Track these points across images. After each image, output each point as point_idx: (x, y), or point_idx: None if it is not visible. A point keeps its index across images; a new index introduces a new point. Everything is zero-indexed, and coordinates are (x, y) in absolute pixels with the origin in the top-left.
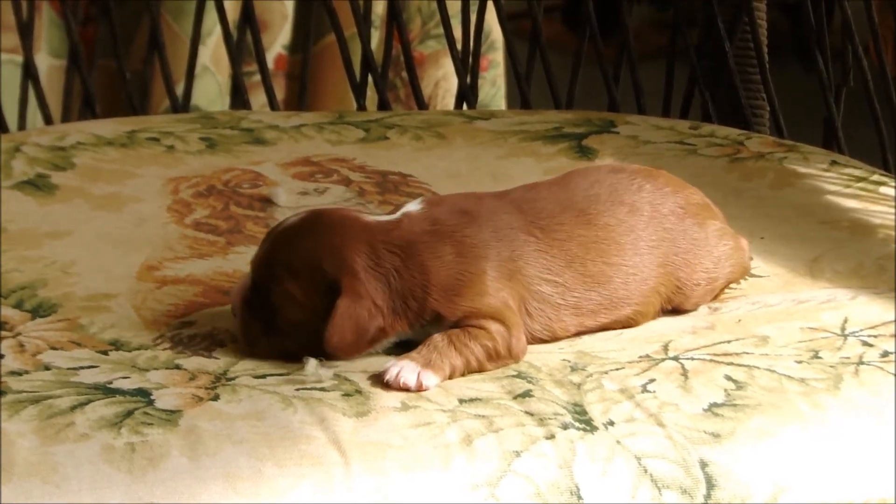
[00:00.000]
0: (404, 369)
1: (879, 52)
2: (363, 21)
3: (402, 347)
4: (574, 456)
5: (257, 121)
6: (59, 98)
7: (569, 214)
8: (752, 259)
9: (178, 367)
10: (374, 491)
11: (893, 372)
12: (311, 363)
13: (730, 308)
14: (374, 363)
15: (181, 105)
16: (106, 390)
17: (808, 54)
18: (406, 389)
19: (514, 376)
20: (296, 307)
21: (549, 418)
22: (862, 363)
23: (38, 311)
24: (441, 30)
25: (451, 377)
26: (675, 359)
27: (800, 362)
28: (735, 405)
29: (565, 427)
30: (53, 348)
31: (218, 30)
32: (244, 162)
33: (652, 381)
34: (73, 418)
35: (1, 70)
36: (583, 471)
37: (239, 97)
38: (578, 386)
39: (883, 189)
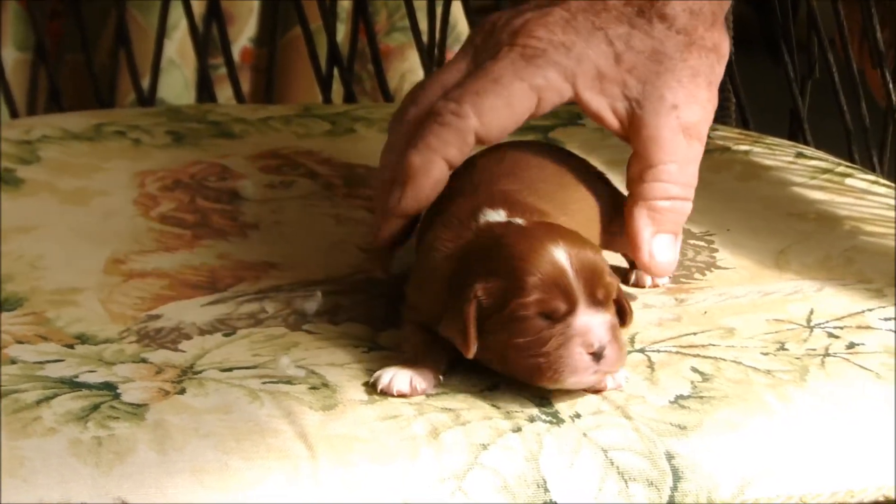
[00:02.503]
0: (396, 377)
1: (845, 44)
2: (329, 14)
3: None
4: (541, 448)
5: (224, 114)
6: (24, 92)
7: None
8: None
9: (144, 360)
10: (341, 484)
11: (860, 363)
12: (284, 360)
13: (696, 300)
14: (342, 356)
15: (147, 99)
16: (72, 384)
17: (774, 46)
18: (402, 396)
19: (481, 369)
20: None
21: (516, 411)
22: (828, 355)
23: (5, 306)
24: (407, 22)
25: (444, 374)
26: (642, 351)
27: (766, 354)
28: (701, 397)
29: (532, 420)
30: (20, 342)
31: (184, 23)
32: (211, 155)
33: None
34: (40, 412)
35: None
36: (549, 463)
37: (205, 90)
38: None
39: (849, 181)
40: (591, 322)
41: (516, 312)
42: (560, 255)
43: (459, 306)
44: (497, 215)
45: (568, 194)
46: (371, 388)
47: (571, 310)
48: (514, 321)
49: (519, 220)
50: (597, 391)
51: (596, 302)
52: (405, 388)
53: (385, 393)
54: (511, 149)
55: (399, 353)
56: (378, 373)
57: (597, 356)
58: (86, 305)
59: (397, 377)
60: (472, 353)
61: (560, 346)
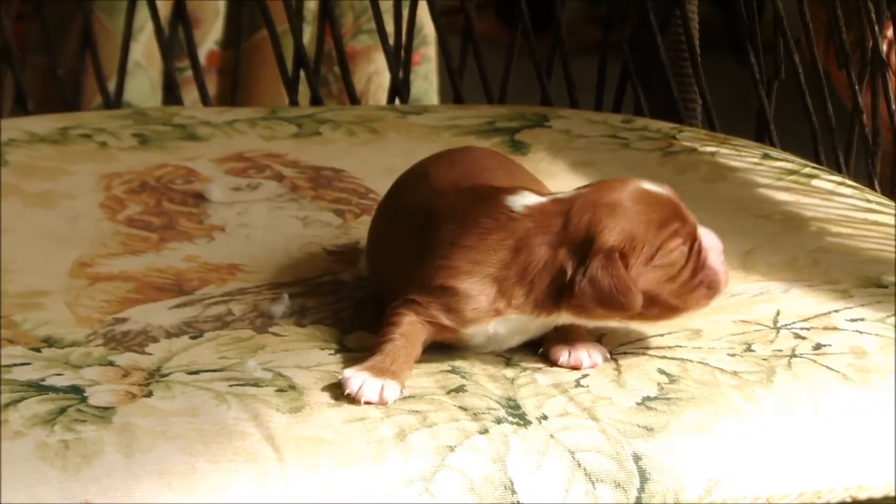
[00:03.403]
0: (367, 384)
1: (811, 45)
2: (295, 16)
3: None
4: (508, 450)
5: (190, 116)
6: None
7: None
8: None
9: (111, 363)
10: (308, 486)
11: (827, 364)
12: (251, 363)
13: None
14: (309, 359)
15: (113, 101)
16: (39, 387)
17: (740, 48)
18: (368, 404)
19: (447, 371)
20: None
21: (483, 413)
22: (794, 356)
23: None
24: (373, 24)
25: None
26: (609, 353)
27: (732, 355)
28: (668, 399)
29: (499, 422)
30: None
31: (150, 26)
32: (177, 158)
33: (585, 375)
34: (7, 416)
35: None
36: (517, 465)
37: (171, 93)
38: (512, 381)
39: (815, 182)
40: (706, 233)
41: (666, 249)
42: (657, 190)
43: (604, 271)
44: (525, 198)
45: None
46: (336, 387)
47: (695, 229)
48: (664, 259)
49: (565, 195)
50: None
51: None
52: (374, 398)
53: (351, 399)
54: (454, 154)
55: (370, 354)
56: (346, 375)
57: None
58: (52, 308)
59: (367, 385)
60: (638, 305)
61: (704, 263)
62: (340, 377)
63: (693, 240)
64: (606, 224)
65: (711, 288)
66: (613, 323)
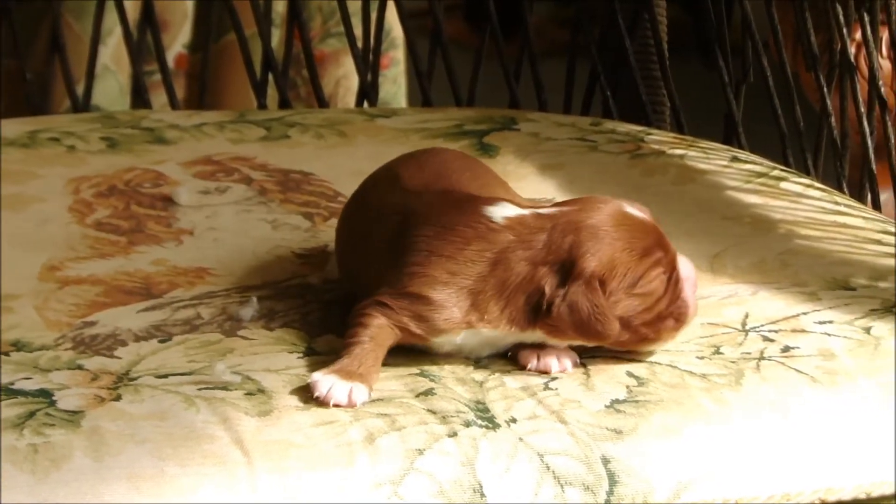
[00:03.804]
0: (335, 387)
1: (779, 48)
2: (263, 19)
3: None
4: (477, 453)
5: (158, 120)
6: None
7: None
8: None
9: (80, 367)
10: (277, 490)
11: (796, 367)
12: (220, 366)
13: None
14: (278, 362)
15: (82, 105)
16: (8, 391)
17: (708, 50)
18: (337, 407)
19: (416, 374)
20: None
21: (452, 416)
22: (763, 358)
23: None
24: (342, 28)
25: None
26: (579, 357)
27: (701, 358)
28: (637, 402)
29: (468, 425)
30: None
31: (118, 29)
32: (145, 161)
33: (554, 378)
34: None
35: None
36: (486, 468)
37: (139, 97)
38: (481, 384)
39: (784, 184)
40: (682, 261)
41: (645, 278)
42: (640, 215)
43: (582, 297)
44: (504, 209)
45: (494, 194)
46: (305, 391)
47: (674, 258)
48: (642, 288)
49: (547, 210)
50: (543, 372)
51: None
52: (343, 401)
53: (320, 402)
54: (423, 155)
55: (338, 356)
56: (315, 378)
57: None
58: (21, 312)
59: (336, 388)
60: (616, 331)
61: (680, 293)
62: (309, 380)
63: (672, 269)
64: (589, 248)
65: (679, 320)
66: (584, 343)
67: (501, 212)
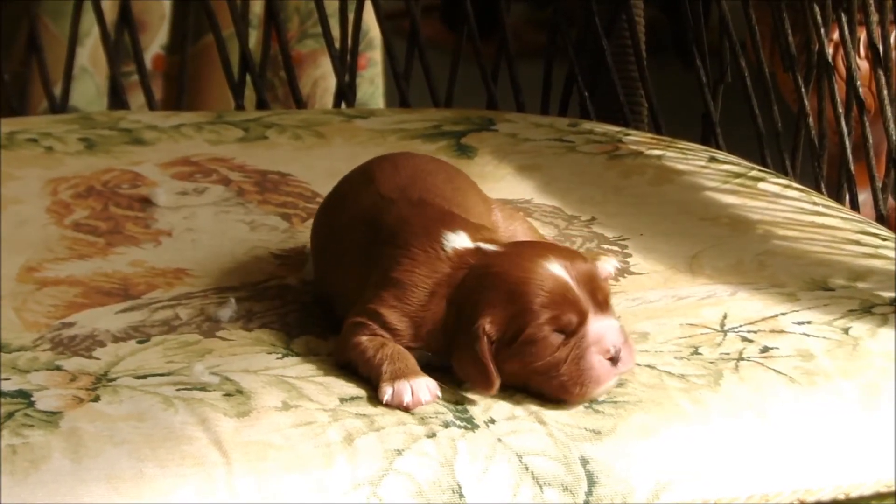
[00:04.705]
0: (413, 388)
1: (757, 48)
2: (241, 20)
3: None
4: (455, 454)
5: (136, 121)
6: None
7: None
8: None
9: (58, 368)
10: (255, 491)
11: (774, 367)
12: (198, 367)
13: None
14: (256, 363)
15: (60, 106)
16: None
17: (686, 51)
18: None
19: None
20: None
21: (431, 417)
22: (741, 359)
23: None
24: (319, 29)
25: None
26: None
27: (680, 358)
28: (615, 402)
29: (446, 425)
30: None
31: (96, 30)
32: (123, 162)
33: None
34: None
35: None
36: (464, 469)
37: (117, 98)
38: (459, 385)
39: (761, 185)
40: (603, 328)
41: (532, 336)
42: (558, 269)
43: (470, 346)
44: (460, 239)
45: (467, 198)
46: (282, 391)
47: (582, 320)
48: (529, 345)
49: (489, 246)
50: None
51: (601, 307)
52: (427, 396)
53: (407, 408)
54: (397, 158)
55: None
56: (387, 390)
57: (614, 360)
58: None
59: (414, 389)
60: (496, 389)
61: (580, 359)
62: (385, 398)
63: (574, 332)
64: (485, 297)
65: (584, 385)
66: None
67: (455, 242)
